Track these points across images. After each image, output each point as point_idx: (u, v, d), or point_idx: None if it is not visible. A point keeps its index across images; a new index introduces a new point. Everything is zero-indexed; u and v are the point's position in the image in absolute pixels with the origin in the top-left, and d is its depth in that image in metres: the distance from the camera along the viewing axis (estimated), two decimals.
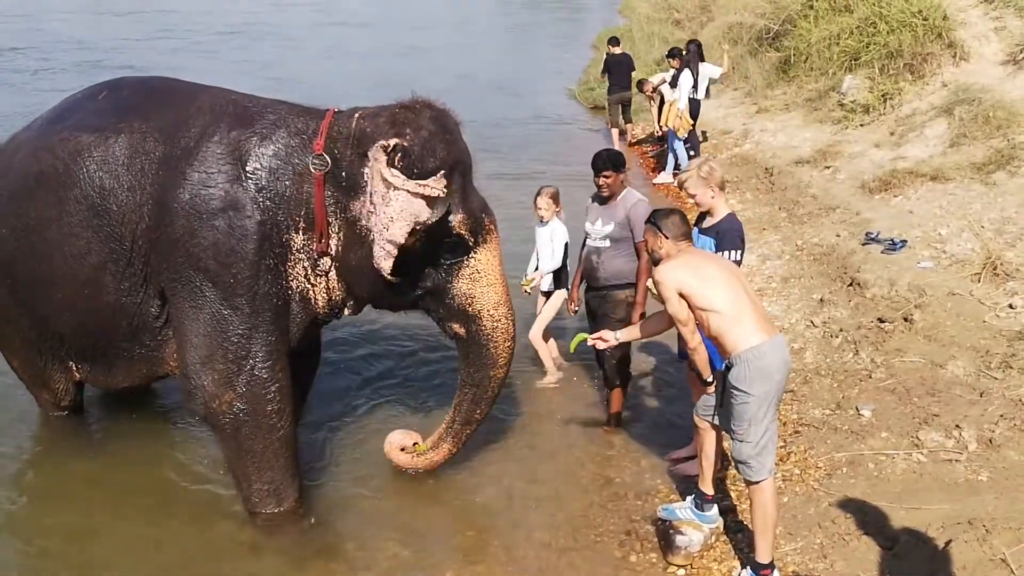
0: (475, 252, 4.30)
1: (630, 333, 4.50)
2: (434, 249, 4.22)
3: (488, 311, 4.35)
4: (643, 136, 12.88)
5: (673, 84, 10.74)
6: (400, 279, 4.18)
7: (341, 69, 17.39)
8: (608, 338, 4.33)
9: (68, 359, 4.79)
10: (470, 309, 4.35)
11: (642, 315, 4.93)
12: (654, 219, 4.02)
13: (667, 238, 3.93)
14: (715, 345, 3.87)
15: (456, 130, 4.23)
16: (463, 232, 4.23)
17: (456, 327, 4.44)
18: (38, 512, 4.67)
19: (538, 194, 5.86)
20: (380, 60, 18.18)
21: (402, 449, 4.73)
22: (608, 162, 5.01)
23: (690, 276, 3.81)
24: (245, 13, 26.77)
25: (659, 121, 11.28)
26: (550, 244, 5.85)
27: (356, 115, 4.20)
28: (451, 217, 4.16)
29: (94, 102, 4.52)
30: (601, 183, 5.03)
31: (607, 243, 5.03)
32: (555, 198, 5.84)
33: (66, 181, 4.25)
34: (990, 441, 4.32)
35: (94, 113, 4.42)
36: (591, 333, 4.43)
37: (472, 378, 4.50)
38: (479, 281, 4.33)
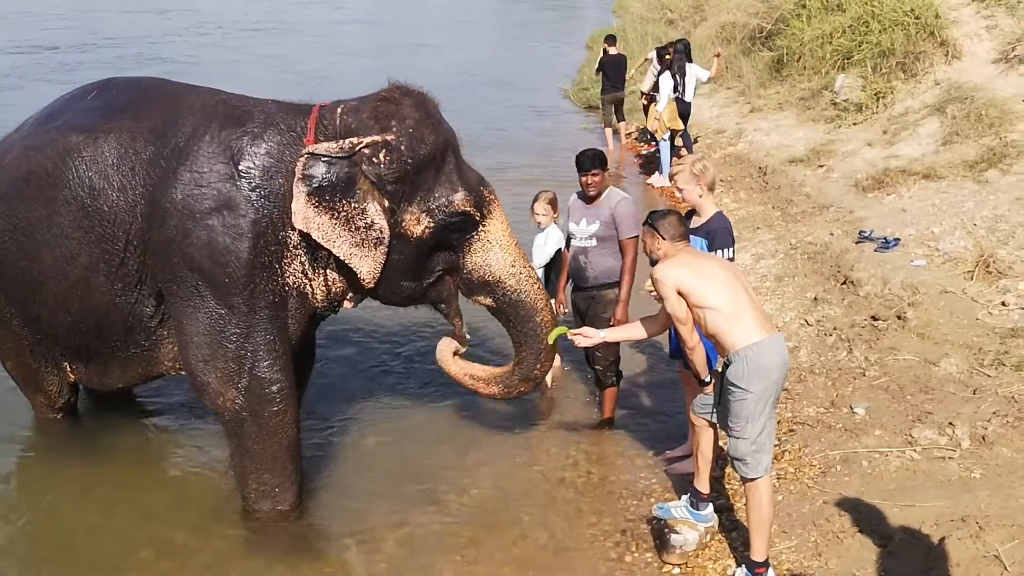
0: (482, 224, 4.40)
1: (617, 333, 4.51)
2: (444, 233, 4.32)
3: (508, 271, 4.46)
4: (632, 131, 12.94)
5: (655, 86, 10.76)
6: (413, 267, 4.32)
7: (358, 64, 17.62)
8: (591, 335, 4.33)
9: (62, 359, 4.77)
10: (490, 277, 4.45)
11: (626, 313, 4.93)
12: (651, 220, 4.00)
13: (664, 239, 3.93)
14: (713, 343, 3.86)
15: (437, 111, 4.31)
16: (468, 209, 4.31)
17: (483, 299, 4.55)
18: (30, 514, 4.66)
19: (536, 199, 5.63)
20: (392, 56, 18.66)
21: (454, 353, 4.72)
22: (596, 161, 4.99)
23: (689, 274, 3.81)
24: (268, 10, 28.10)
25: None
26: (542, 248, 5.65)
27: (339, 110, 4.22)
28: (454, 197, 4.25)
29: (83, 102, 4.51)
30: (589, 182, 5.00)
31: (593, 242, 5.02)
32: (553, 203, 5.61)
33: (55, 181, 4.23)
34: (983, 438, 4.33)
35: (83, 113, 4.41)
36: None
37: (522, 335, 4.56)
38: (491, 249, 4.44)
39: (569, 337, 4.38)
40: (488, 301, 4.55)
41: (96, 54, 19.19)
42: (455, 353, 4.71)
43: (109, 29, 22.81)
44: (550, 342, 4.50)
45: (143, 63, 17.92)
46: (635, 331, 4.33)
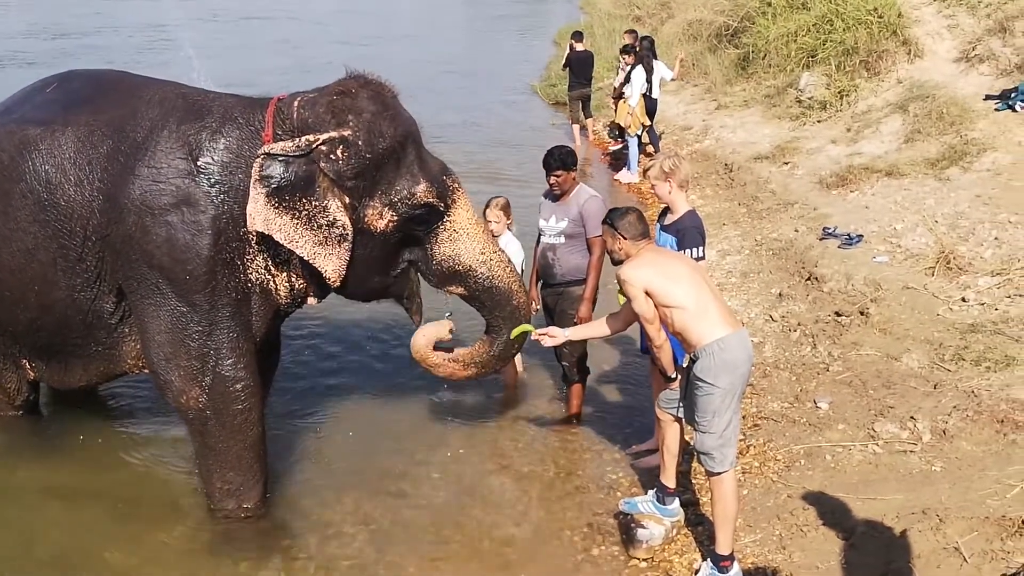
0: (447, 214, 4.33)
1: (581, 332, 4.51)
2: (409, 226, 4.25)
3: (478, 259, 4.38)
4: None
5: (626, 81, 10.80)
6: (379, 262, 4.26)
7: (353, 52, 17.69)
8: (556, 335, 4.32)
9: (21, 357, 4.68)
10: (460, 266, 4.37)
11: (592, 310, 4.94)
12: (610, 220, 4.01)
13: (625, 239, 3.94)
14: (679, 340, 3.88)
15: (395, 102, 4.23)
16: (431, 200, 4.23)
17: (456, 289, 4.46)
18: None
19: (487, 206, 5.36)
20: (381, 45, 19.42)
21: (433, 346, 4.59)
22: (559, 161, 4.99)
23: (655, 274, 3.82)
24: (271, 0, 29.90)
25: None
26: None
27: (295, 103, 4.15)
28: (416, 189, 4.18)
29: (43, 95, 4.42)
30: (552, 182, 5.02)
31: (561, 239, 5.02)
32: (505, 209, 5.44)
33: (11, 175, 4.15)
34: (943, 432, 4.40)
35: (42, 106, 4.33)
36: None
37: (500, 319, 4.49)
38: (459, 239, 4.35)
39: (534, 337, 4.36)
40: (460, 290, 4.47)
41: (120, 38, 20.53)
42: (434, 343, 4.59)
43: (131, 16, 24.50)
44: (513, 338, 4.47)
45: (165, 48, 19.20)
46: (599, 329, 4.34)
